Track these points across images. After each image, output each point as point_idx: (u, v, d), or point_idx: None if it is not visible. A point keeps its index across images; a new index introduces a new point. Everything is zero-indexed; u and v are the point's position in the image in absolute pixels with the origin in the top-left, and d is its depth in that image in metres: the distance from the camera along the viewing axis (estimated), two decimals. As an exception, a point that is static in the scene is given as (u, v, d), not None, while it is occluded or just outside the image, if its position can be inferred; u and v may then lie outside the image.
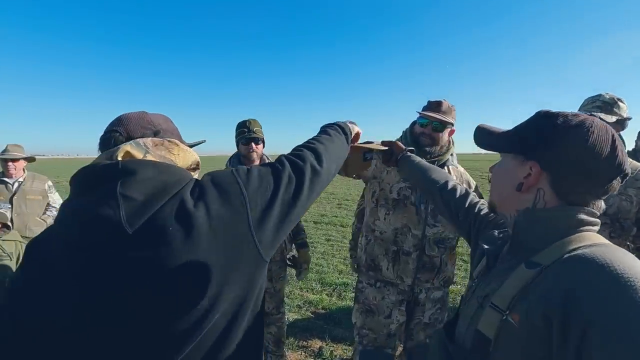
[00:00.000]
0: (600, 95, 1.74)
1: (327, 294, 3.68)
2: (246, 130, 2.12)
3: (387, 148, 1.29)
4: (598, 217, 0.64)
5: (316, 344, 2.76)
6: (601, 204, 0.64)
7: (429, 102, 1.69)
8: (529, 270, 0.60)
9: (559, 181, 0.64)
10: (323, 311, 3.32)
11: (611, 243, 0.59)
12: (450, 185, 1.08)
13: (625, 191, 1.60)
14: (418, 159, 1.24)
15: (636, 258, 0.54)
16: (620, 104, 1.70)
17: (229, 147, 2.20)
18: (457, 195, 1.04)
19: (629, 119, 1.70)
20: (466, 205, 1.00)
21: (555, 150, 0.63)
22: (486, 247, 0.76)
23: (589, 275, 0.52)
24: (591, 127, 0.61)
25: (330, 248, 5.31)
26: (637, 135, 3.28)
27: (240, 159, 2.22)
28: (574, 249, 0.58)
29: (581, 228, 0.61)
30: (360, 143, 1.24)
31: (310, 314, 3.27)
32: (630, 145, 3.34)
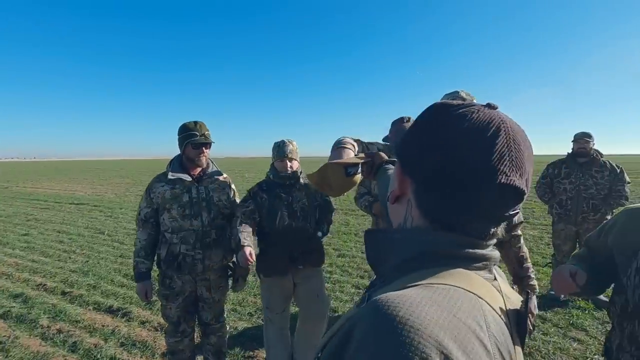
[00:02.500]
0: (457, 92, 1.65)
1: (281, 300, 3.60)
2: (197, 133, 2.02)
3: (368, 159, 1.22)
4: (484, 250, 0.47)
5: (263, 353, 2.68)
6: (490, 230, 0.47)
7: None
8: (356, 307, 0.48)
9: (419, 190, 0.48)
10: (275, 318, 3.24)
11: (473, 289, 0.42)
12: None
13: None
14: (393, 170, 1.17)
15: (453, 307, 0.38)
16: (456, 95, 1.60)
17: (166, 151, 2.11)
18: None
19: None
20: None
21: (415, 144, 0.49)
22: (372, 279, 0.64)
23: (365, 320, 0.38)
24: (467, 116, 0.45)
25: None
26: (573, 137, 3.47)
27: (182, 162, 2.11)
28: (404, 287, 0.42)
29: (447, 262, 0.45)
30: (340, 160, 1.19)
31: (261, 321, 3.18)
32: (568, 149, 3.53)
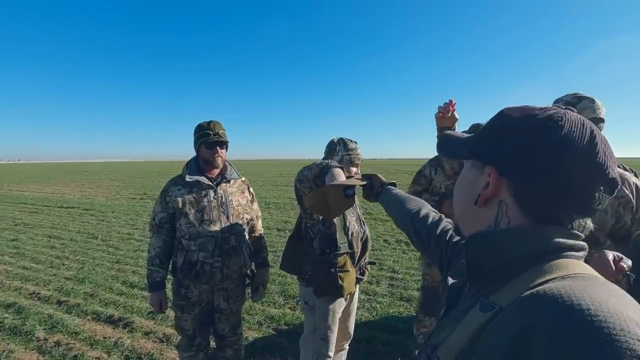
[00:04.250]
0: (564, 95, 1.59)
1: (290, 308, 3.48)
2: (210, 132, 1.91)
3: (366, 182, 1.26)
4: (582, 240, 0.49)
5: (278, 364, 2.56)
6: (587, 223, 0.50)
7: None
8: (481, 314, 0.46)
9: (523, 190, 0.49)
10: (285, 327, 3.11)
11: (596, 274, 0.45)
12: (423, 213, 0.97)
13: None
14: (397, 190, 1.19)
15: (624, 295, 0.39)
16: (590, 103, 1.52)
17: (185, 152, 1.99)
18: (429, 222, 0.92)
19: (601, 120, 1.52)
20: (437, 232, 0.87)
21: (514, 149, 0.50)
22: (451, 281, 0.63)
23: (549, 316, 0.37)
24: (561, 119, 0.48)
25: (294, 257, 5.12)
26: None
27: (199, 163, 1.99)
28: (541, 283, 0.43)
29: (557, 255, 0.47)
30: (339, 182, 1.23)
31: (271, 330, 3.06)
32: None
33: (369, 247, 1.97)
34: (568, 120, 0.48)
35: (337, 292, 1.79)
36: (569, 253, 0.47)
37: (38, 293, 3.82)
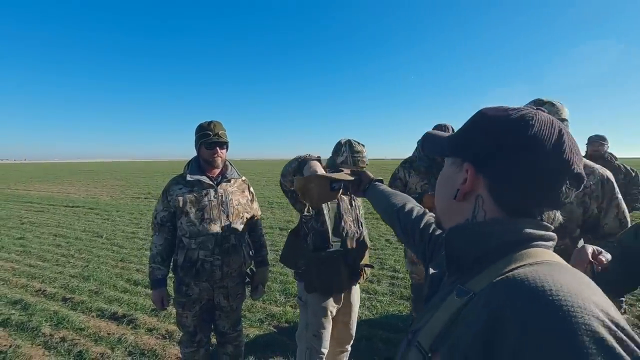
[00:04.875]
0: (527, 103, 1.67)
1: (291, 306, 3.51)
2: (210, 133, 1.94)
3: (354, 178, 1.28)
4: (552, 231, 0.53)
5: (278, 361, 2.60)
6: (556, 215, 0.54)
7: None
8: (458, 300, 0.50)
9: (497, 186, 0.53)
10: (286, 325, 3.15)
11: (562, 262, 0.48)
12: (407, 207, 1.01)
13: None
14: (383, 186, 1.23)
15: (587, 280, 0.43)
16: (550, 107, 1.63)
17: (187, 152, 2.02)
18: (413, 216, 0.96)
19: (564, 120, 1.62)
20: (421, 226, 0.91)
21: (488, 146, 0.53)
22: (432, 271, 0.67)
23: (516, 297, 0.40)
24: (532, 119, 0.51)
25: (296, 256, 5.16)
26: (587, 140, 3.45)
27: (200, 163, 2.03)
28: (512, 269, 0.46)
29: (528, 244, 0.50)
30: (328, 172, 1.25)
31: (272, 328, 3.10)
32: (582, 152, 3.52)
33: (367, 249, 1.97)
34: (538, 120, 0.51)
35: (326, 290, 1.83)
36: (539, 243, 0.51)
37: (44, 290, 3.89)
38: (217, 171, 2.05)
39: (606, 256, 1.08)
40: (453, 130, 1.70)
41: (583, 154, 3.62)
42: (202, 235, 1.93)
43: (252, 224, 2.19)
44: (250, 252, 2.16)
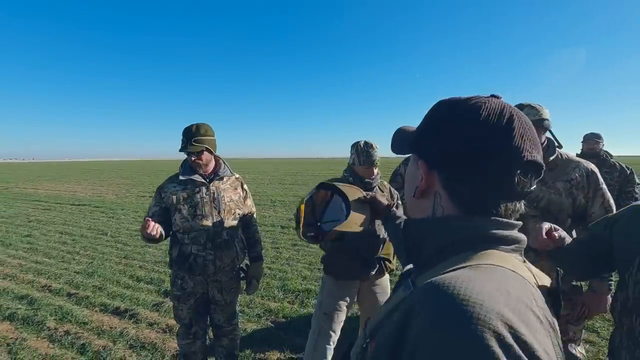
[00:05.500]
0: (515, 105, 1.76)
1: (288, 302, 3.58)
2: (185, 140, 1.96)
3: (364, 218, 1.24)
4: (513, 228, 0.51)
5: (274, 355, 2.67)
6: (516, 206, 0.51)
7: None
8: (402, 293, 0.50)
9: (449, 181, 0.51)
10: (284, 320, 3.22)
11: (505, 267, 0.46)
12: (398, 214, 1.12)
13: (554, 185, 1.68)
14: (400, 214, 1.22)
15: (506, 290, 0.41)
16: (530, 109, 1.68)
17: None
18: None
19: (545, 119, 1.67)
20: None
21: (438, 141, 0.51)
22: (407, 267, 0.71)
23: (428, 299, 0.42)
24: (480, 107, 0.48)
25: (296, 253, 5.22)
26: (582, 138, 3.46)
27: (191, 165, 2.08)
28: (452, 270, 0.45)
29: (485, 244, 0.48)
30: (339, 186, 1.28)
31: (270, 323, 3.17)
32: (577, 149, 3.53)
33: (384, 242, 2.00)
34: (487, 108, 0.49)
35: (338, 274, 2.02)
36: (500, 246, 0.49)
37: (50, 286, 4.00)
38: (209, 169, 2.11)
39: (561, 233, 1.15)
40: None
41: (579, 151, 3.63)
42: (195, 231, 1.99)
43: (246, 220, 2.25)
44: (244, 248, 2.22)
